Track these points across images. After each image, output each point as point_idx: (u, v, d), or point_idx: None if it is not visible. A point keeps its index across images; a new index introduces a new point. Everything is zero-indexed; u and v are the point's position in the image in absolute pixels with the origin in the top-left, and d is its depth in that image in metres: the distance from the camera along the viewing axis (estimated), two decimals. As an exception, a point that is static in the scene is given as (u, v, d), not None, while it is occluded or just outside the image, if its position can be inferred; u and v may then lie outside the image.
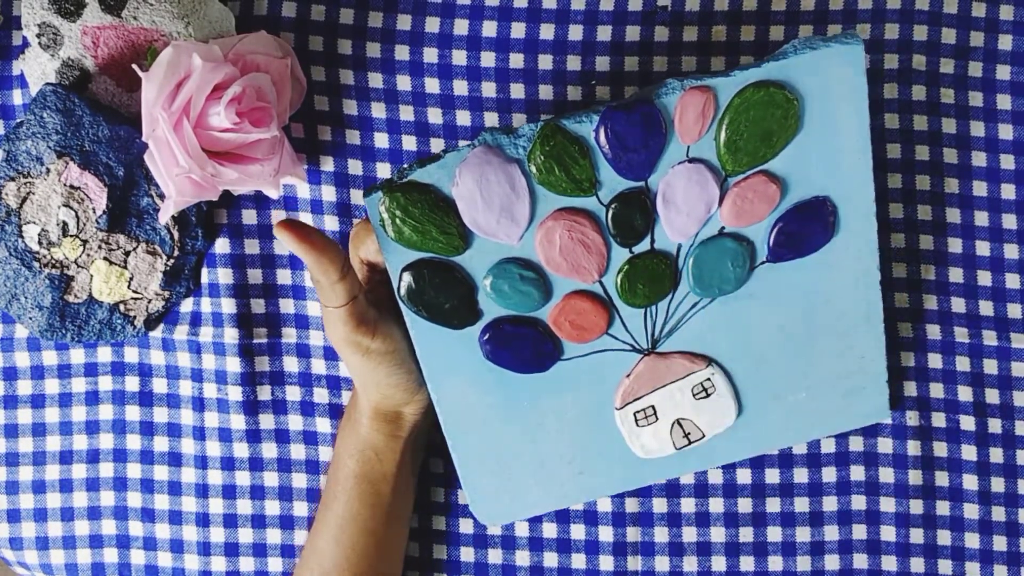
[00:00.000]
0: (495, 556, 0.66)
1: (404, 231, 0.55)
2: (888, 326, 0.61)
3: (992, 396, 0.64)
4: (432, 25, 0.63)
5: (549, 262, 0.57)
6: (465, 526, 0.66)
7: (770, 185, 0.56)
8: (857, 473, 0.64)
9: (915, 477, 0.64)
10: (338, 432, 0.63)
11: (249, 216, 0.65)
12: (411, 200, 0.54)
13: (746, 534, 0.65)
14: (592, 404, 0.60)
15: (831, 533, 0.65)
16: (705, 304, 0.59)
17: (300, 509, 0.66)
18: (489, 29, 0.63)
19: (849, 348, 0.60)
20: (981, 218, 0.64)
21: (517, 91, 0.63)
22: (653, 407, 0.60)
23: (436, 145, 0.64)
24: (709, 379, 0.60)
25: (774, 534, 0.65)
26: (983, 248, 0.64)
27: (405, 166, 0.54)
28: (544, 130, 0.54)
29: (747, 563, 0.65)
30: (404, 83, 0.63)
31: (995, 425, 0.64)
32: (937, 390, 0.64)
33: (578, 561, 0.65)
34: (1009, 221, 0.63)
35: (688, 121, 0.54)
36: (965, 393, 0.64)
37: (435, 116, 0.63)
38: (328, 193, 0.64)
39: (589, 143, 0.54)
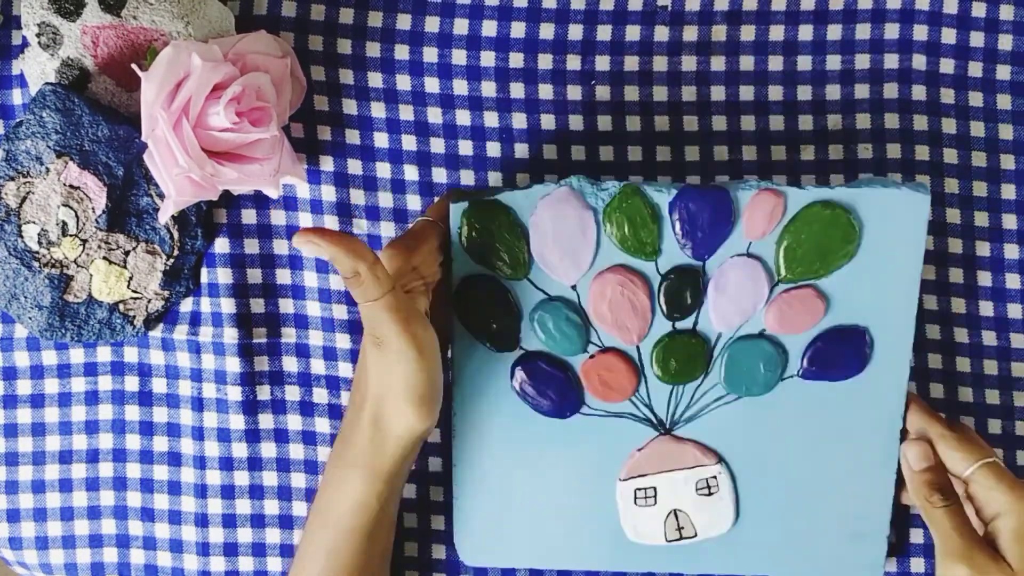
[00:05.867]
0: (494, 556, 0.65)
1: (476, 243, 0.58)
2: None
3: (992, 397, 0.64)
4: (432, 24, 0.63)
5: (596, 312, 0.59)
6: (464, 526, 0.66)
7: (817, 301, 0.58)
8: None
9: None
10: (330, 474, 0.58)
11: (249, 216, 0.64)
12: (491, 217, 0.57)
13: None
14: (598, 468, 0.61)
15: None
16: (730, 400, 0.60)
17: (299, 509, 0.66)
18: (489, 28, 0.63)
19: (858, 488, 0.60)
20: (981, 218, 0.63)
21: (517, 90, 0.63)
22: (655, 489, 0.60)
23: (436, 144, 0.63)
24: (715, 477, 0.60)
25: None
26: (983, 248, 0.63)
27: (492, 187, 0.58)
28: (625, 189, 0.57)
29: None
30: (404, 83, 0.63)
31: (995, 426, 0.64)
32: (937, 390, 0.64)
33: (577, 561, 0.65)
34: (1009, 221, 0.63)
35: (756, 218, 0.57)
36: (965, 394, 0.64)
37: (435, 116, 0.63)
38: (328, 193, 0.64)
39: (661, 212, 0.57)
